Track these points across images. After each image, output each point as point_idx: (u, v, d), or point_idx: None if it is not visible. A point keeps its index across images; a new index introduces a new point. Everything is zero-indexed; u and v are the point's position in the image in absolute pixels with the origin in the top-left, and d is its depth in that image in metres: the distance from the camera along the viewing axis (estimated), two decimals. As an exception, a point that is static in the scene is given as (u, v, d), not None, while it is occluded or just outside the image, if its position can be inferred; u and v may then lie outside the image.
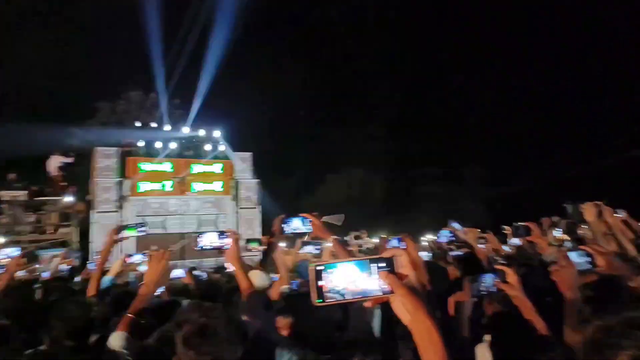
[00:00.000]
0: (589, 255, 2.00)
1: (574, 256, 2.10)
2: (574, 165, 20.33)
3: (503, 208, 23.42)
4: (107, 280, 4.01)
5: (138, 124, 16.05)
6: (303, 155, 33.03)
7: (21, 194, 14.37)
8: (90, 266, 6.92)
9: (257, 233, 15.23)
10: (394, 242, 3.76)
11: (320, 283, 1.00)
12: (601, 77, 25.59)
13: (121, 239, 3.73)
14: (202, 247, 2.50)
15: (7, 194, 14.31)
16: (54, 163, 15.11)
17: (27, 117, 24.99)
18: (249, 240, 4.95)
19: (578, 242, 4.04)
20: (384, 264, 1.02)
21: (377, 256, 1.04)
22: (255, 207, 15.47)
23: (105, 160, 14.04)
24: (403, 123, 33.73)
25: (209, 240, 2.56)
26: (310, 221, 2.58)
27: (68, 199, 14.18)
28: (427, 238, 8.80)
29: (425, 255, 4.53)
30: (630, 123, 19.70)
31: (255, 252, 5.09)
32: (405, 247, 3.62)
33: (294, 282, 3.99)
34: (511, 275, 2.08)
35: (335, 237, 2.58)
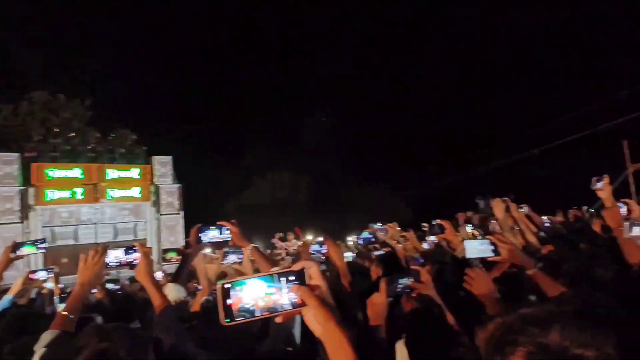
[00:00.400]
0: (493, 244, 2.14)
1: (477, 244, 2.25)
2: (486, 163, 21.88)
3: (424, 206, 24.68)
4: (6, 300, 3.66)
5: (40, 126, 14.73)
6: (228, 159, 32.47)
7: None
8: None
9: (180, 240, 14.62)
10: (316, 246, 3.78)
11: (229, 301, 0.95)
12: (507, 80, 27.89)
13: (18, 257, 3.39)
14: (107, 263, 2.30)
15: None
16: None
17: None
18: (166, 251, 4.69)
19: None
20: (294, 277, 0.99)
21: (286, 269, 1.01)
22: (177, 213, 14.84)
23: (5, 167, 12.73)
24: (329, 129, 34.40)
25: (113, 256, 2.37)
26: (228, 229, 2.49)
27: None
28: (352, 239, 9.00)
29: (350, 255, 4.60)
30: (528, 126, 21.66)
31: (174, 262, 4.86)
32: (327, 250, 3.65)
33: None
34: (424, 275, 2.16)
35: (254, 245, 2.52)
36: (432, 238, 4.72)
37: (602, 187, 2.86)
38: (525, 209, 4.13)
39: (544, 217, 4.98)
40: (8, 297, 3.80)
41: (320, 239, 3.62)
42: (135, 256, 2.38)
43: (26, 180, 12.92)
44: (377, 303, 2.02)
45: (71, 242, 13.19)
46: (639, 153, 16.42)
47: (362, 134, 35.67)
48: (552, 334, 0.66)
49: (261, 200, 31.22)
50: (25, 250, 3.52)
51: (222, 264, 4.34)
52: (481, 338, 0.77)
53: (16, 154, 13.46)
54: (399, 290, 2.17)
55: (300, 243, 14.32)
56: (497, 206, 3.51)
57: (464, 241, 2.46)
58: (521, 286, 2.15)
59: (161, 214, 14.51)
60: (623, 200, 3.60)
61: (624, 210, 3.40)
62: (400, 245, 3.60)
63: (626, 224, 2.43)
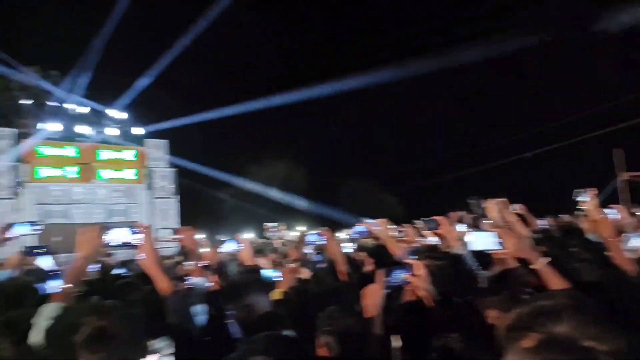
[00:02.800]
0: (498, 237, 2.21)
1: (483, 236, 2.30)
2: (479, 164, 22.06)
3: (417, 202, 24.80)
4: (1, 275, 3.67)
5: (32, 102, 14.56)
6: (224, 145, 32.32)
7: None
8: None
9: (173, 224, 14.61)
10: (312, 237, 3.81)
11: None
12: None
13: (11, 238, 3.43)
14: (109, 243, 2.31)
15: None
16: None
17: None
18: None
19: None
20: None
21: None
22: (171, 197, 14.81)
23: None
24: (328, 120, 34.29)
25: (117, 236, 2.37)
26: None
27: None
28: (344, 234, 9.02)
29: (347, 246, 4.66)
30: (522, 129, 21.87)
31: (171, 244, 4.88)
32: (325, 241, 3.70)
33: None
34: (419, 268, 2.21)
35: None
36: (427, 234, 4.78)
37: (588, 200, 2.90)
38: (517, 208, 4.18)
39: (539, 220, 5.03)
40: (5, 272, 3.81)
41: (317, 230, 3.66)
42: (139, 237, 2.40)
43: (18, 156, 12.84)
44: (373, 294, 2.07)
45: (63, 220, 13.13)
46: (630, 162, 16.66)
47: (358, 128, 35.71)
48: (561, 325, 0.71)
49: (256, 189, 31.24)
50: (17, 230, 3.60)
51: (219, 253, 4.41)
52: (502, 327, 0.83)
53: (8, 129, 13.36)
54: (394, 282, 2.22)
55: (292, 234, 14.39)
56: (491, 206, 3.56)
57: (471, 233, 2.51)
58: (516, 282, 2.21)
59: (155, 198, 14.49)
60: (612, 206, 3.65)
61: (615, 215, 3.45)
62: (392, 240, 3.66)
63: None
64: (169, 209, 14.70)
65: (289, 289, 3.11)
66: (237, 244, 4.11)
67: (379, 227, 3.55)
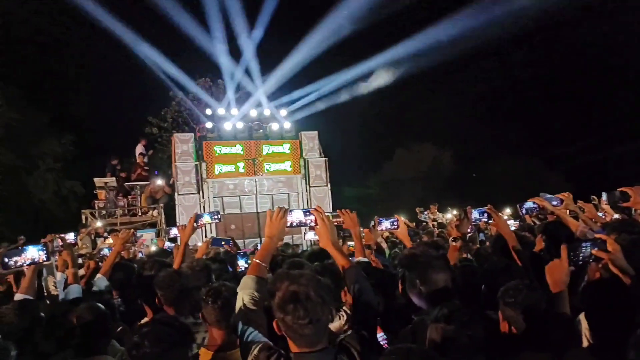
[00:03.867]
0: None
1: None
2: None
3: (585, 179, 21.83)
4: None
5: (209, 109, 16.75)
6: (369, 131, 32.71)
7: (111, 180, 15.73)
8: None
9: (328, 210, 15.46)
10: (476, 214, 3.70)
11: None
12: None
13: (199, 226, 4.27)
14: (291, 223, 2.58)
15: (100, 181, 15.74)
16: (138, 149, 16.31)
17: (116, 109, 27.16)
18: None
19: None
20: None
21: None
22: (325, 185, 15.70)
23: (183, 145, 14.86)
24: (476, 94, 32.19)
25: (296, 217, 2.64)
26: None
27: (155, 182, 15.32)
28: (506, 212, 8.44)
29: (512, 223, 4.41)
30: None
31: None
32: (487, 219, 3.56)
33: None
34: (612, 244, 2.01)
35: None
36: (607, 208, 4.27)
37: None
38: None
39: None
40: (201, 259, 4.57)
41: (482, 208, 3.54)
42: (312, 217, 2.64)
43: (199, 156, 14.91)
44: (559, 270, 1.95)
45: (237, 210, 14.93)
46: None
47: (510, 105, 32.76)
48: None
49: (403, 174, 31.01)
50: (204, 220, 4.54)
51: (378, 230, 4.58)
52: None
53: (190, 134, 15.63)
54: (581, 258, 2.05)
55: (447, 216, 14.00)
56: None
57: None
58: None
59: (310, 186, 15.51)
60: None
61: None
62: (575, 216, 3.33)
63: None
64: (324, 197, 15.55)
65: (453, 266, 3.09)
66: (392, 223, 4.20)
67: (559, 202, 3.28)
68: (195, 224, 4.17)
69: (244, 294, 2.18)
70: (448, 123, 31.17)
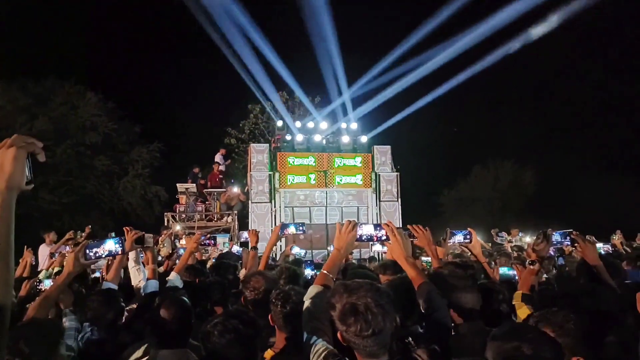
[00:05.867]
0: None
1: None
2: None
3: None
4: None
5: (283, 122, 17.25)
6: (445, 146, 31.82)
7: (191, 186, 16.69)
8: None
9: (398, 226, 15.22)
10: (557, 237, 3.47)
11: None
12: None
13: (284, 236, 4.43)
14: (360, 236, 2.57)
15: (181, 186, 16.77)
16: (217, 158, 17.22)
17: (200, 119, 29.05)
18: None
19: None
20: None
21: None
22: (396, 200, 15.48)
23: (258, 155, 15.43)
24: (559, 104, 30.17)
25: (367, 231, 2.63)
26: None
27: (232, 190, 16.05)
28: (617, 236, 7.63)
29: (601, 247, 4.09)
30: None
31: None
32: (570, 243, 3.33)
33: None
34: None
35: None
36: None
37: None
38: None
39: None
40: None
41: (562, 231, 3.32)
42: (382, 232, 2.62)
43: (273, 166, 15.38)
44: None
45: (306, 221, 15.14)
46: None
47: (600, 119, 30.27)
48: None
49: (480, 192, 29.72)
50: (289, 230, 4.68)
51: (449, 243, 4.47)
52: None
53: (266, 145, 16.20)
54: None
55: (526, 239, 13.19)
56: None
57: None
58: None
59: (381, 201, 15.37)
60: None
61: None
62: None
63: None
64: (394, 212, 15.33)
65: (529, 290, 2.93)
66: (465, 236, 4.05)
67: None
68: (279, 233, 4.37)
69: (310, 303, 2.21)
70: (530, 139, 29.49)
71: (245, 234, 6.52)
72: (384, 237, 2.57)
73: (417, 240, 3.09)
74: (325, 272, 2.34)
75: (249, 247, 4.71)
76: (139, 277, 3.89)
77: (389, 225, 2.55)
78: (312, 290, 2.27)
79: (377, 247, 9.19)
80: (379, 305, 1.76)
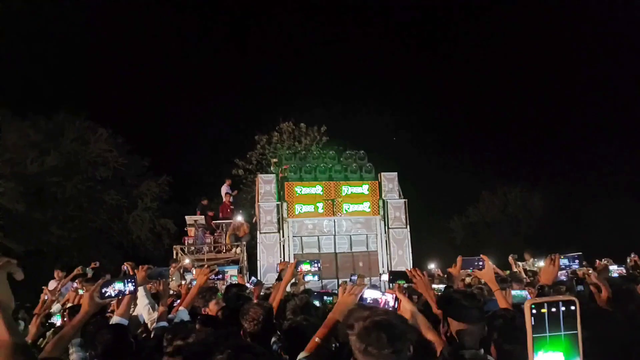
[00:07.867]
0: None
1: None
2: None
3: None
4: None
5: (290, 151, 17.43)
6: (454, 172, 31.87)
7: (200, 218, 16.73)
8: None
9: (407, 253, 15.12)
10: (565, 260, 3.44)
11: None
12: None
13: (299, 273, 4.74)
14: (364, 299, 2.43)
15: (190, 219, 16.82)
16: (224, 189, 17.30)
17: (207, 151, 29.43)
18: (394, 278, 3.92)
19: None
20: None
21: None
22: (405, 227, 15.39)
23: (266, 185, 15.50)
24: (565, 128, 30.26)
25: (370, 295, 2.48)
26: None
27: (236, 219, 16.06)
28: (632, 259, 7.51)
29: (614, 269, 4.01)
30: None
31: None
32: (579, 266, 3.30)
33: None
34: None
35: None
36: None
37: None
38: None
39: None
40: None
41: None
42: (390, 297, 2.52)
43: (280, 196, 15.43)
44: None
45: (315, 250, 15.07)
46: None
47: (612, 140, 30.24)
48: None
49: (490, 218, 29.49)
50: (304, 267, 4.97)
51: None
52: None
53: (273, 175, 16.30)
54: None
55: (539, 263, 12.98)
56: None
57: None
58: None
59: (389, 228, 15.30)
60: None
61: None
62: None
63: None
64: (403, 239, 15.25)
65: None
66: (476, 263, 4.00)
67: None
68: (295, 270, 4.60)
69: None
70: (538, 163, 29.41)
71: (254, 278, 7.19)
72: (391, 303, 2.39)
73: (415, 285, 3.07)
74: (317, 340, 2.26)
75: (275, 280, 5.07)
76: (153, 314, 3.89)
77: (399, 291, 2.58)
78: (301, 356, 2.23)
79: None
80: (401, 323, 1.81)
